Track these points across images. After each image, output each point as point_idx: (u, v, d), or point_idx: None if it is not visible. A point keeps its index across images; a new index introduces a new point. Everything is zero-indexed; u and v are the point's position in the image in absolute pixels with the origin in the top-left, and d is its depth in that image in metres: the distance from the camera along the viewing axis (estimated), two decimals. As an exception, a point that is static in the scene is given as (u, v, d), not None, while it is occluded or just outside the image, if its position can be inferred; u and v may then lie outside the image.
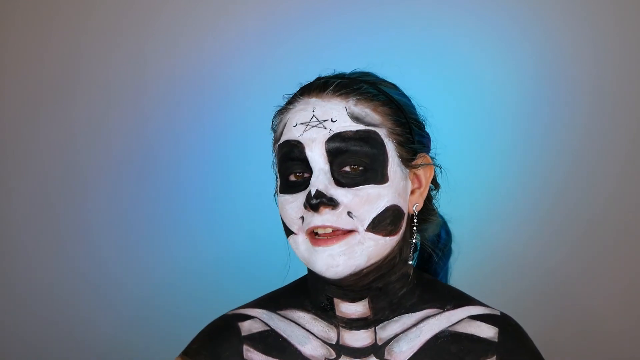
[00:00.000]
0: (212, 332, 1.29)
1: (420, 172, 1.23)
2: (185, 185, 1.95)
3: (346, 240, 1.15)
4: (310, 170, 1.17)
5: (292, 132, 1.18)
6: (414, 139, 1.22)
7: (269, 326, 1.27)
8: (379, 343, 1.22)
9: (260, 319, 1.28)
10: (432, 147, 1.28)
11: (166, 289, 1.93)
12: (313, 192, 1.14)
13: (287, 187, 1.19)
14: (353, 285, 1.20)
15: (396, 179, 1.18)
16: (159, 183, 1.96)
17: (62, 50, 1.98)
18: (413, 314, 1.24)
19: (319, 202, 1.13)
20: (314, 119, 1.18)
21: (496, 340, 1.22)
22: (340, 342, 1.23)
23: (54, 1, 1.99)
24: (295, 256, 1.22)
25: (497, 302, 1.29)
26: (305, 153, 1.16)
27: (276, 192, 1.22)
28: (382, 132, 1.18)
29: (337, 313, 1.23)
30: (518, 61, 1.87)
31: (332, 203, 1.14)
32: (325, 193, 1.14)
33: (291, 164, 1.18)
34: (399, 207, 1.18)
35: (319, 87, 1.21)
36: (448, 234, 1.35)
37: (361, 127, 1.17)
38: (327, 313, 1.24)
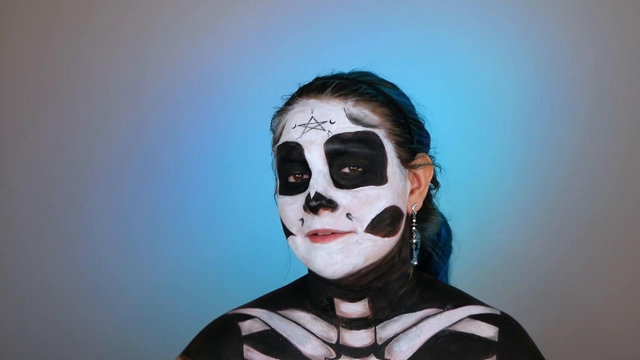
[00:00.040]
0: (212, 332, 1.29)
1: (420, 172, 1.23)
2: (185, 185, 1.95)
3: (343, 239, 1.15)
4: (309, 172, 1.17)
5: (290, 134, 1.18)
6: (413, 139, 1.22)
7: (269, 326, 1.27)
8: (379, 343, 1.22)
9: (260, 319, 1.28)
10: (432, 147, 1.28)
11: (166, 289, 1.93)
12: (312, 195, 1.14)
13: (287, 188, 1.19)
14: (352, 285, 1.20)
15: (395, 180, 1.18)
16: (159, 183, 1.96)
17: (62, 50, 1.98)
18: (413, 313, 1.24)
19: (318, 204, 1.13)
20: (312, 121, 1.17)
21: (496, 340, 1.22)
22: (341, 342, 1.23)
23: (54, 1, 1.99)
24: (295, 256, 1.22)
25: (497, 302, 1.29)
26: (304, 155, 1.16)
27: (276, 192, 1.22)
28: (381, 133, 1.18)
29: (337, 313, 1.23)
30: (518, 61, 1.87)
31: (332, 205, 1.14)
32: (324, 195, 1.14)
33: (290, 165, 1.18)
34: (398, 207, 1.18)
35: (317, 88, 1.20)
36: (448, 232, 1.35)
37: (360, 128, 1.17)
38: (327, 313, 1.24)
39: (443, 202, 1.32)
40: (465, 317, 1.24)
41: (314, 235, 1.16)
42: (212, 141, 1.94)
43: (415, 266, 1.25)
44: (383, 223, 1.16)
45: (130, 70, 1.96)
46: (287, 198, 1.18)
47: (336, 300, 1.22)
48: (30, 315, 1.96)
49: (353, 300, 1.21)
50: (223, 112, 1.94)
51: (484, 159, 1.87)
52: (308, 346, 1.24)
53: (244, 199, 1.91)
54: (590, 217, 1.87)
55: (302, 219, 1.17)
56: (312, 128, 1.17)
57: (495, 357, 1.21)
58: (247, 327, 1.27)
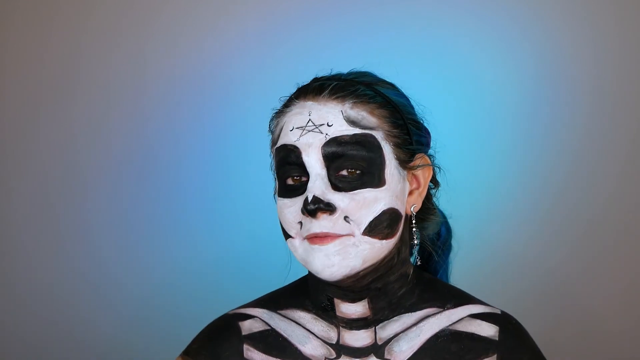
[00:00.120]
0: (212, 331, 1.29)
1: (419, 172, 1.23)
2: (185, 185, 1.95)
3: (341, 240, 1.15)
4: (307, 175, 1.17)
5: (288, 137, 1.18)
6: (411, 139, 1.21)
7: (269, 326, 1.27)
8: (379, 343, 1.22)
9: (260, 319, 1.28)
10: (431, 146, 1.28)
11: (166, 289, 1.93)
12: (310, 198, 1.14)
13: (285, 191, 1.19)
14: (352, 286, 1.20)
15: (393, 182, 1.18)
16: (159, 183, 1.96)
17: (62, 50, 1.98)
18: (413, 313, 1.24)
19: (316, 207, 1.14)
20: (310, 124, 1.17)
21: (497, 339, 1.22)
22: (341, 342, 1.23)
23: (54, 1, 1.99)
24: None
25: (497, 302, 1.29)
26: (301, 158, 1.16)
27: (275, 193, 1.22)
28: (379, 135, 1.18)
29: (337, 313, 1.23)
30: (518, 61, 1.87)
31: (330, 208, 1.14)
32: (322, 199, 1.14)
33: (288, 168, 1.18)
34: (396, 209, 1.18)
35: (315, 90, 1.20)
36: (448, 230, 1.35)
37: (357, 130, 1.17)
38: (327, 313, 1.24)
39: (443, 202, 1.32)
40: (465, 317, 1.24)
41: (312, 237, 1.16)
42: (212, 141, 1.94)
43: (415, 265, 1.25)
44: (381, 226, 1.16)
45: (130, 70, 1.97)
46: (286, 201, 1.18)
47: (336, 300, 1.22)
48: (30, 315, 1.96)
49: (353, 300, 1.21)
50: (223, 112, 1.94)
51: (484, 159, 1.87)
52: (308, 346, 1.24)
53: (244, 199, 1.91)
54: (590, 217, 1.87)
55: (300, 222, 1.17)
56: (309, 131, 1.17)
57: (495, 356, 1.21)
58: (248, 326, 1.27)
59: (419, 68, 1.83)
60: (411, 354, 1.21)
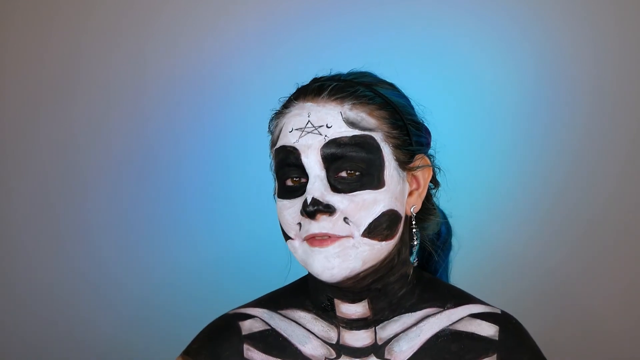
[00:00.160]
0: (212, 331, 1.29)
1: (419, 173, 1.23)
2: (185, 185, 1.95)
3: (340, 242, 1.15)
4: (306, 176, 1.16)
5: (287, 138, 1.18)
6: (411, 140, 1.21)
7: (269, 325, 1.27)
8: (379, 343, 1.22)
9: (261, 319, 1.28)
10: (431, 146, 1.28)
11: (166, 289, 1.93)
12: (309, 200, 1.14)
13: (285, 192, 1.19)
14: (352, 287, 1.20)
15: (393, 183, 1.18)
16: (159, 183, 1.96)
17: (62, 50, 1.98)
18: (413, 313, 1.24)
19: (315, 209, 1.13)
20: (309, 125, 1.17)
21: (497, 339, 1.22)
22: (341, 342, 1.23)
23: (54, 1, 1.99)
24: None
25: (497, 302, 1.29)
26: (301, 159, 1.16)
27: (275, 194, 1.22)
28: (378, 137, 1.18)
29: (338, 313, 1.23)
30: (518, 61, 1.87)
31: (329, 210, 1.14)
32: (321, 200, 1.14)
33: (288, 169, 1.18)
34: (395, 211, 1.18)
35: (314, 91, 1.20)
36: (448, 229, 1.35)
37: (357, 132, 1.17)
38: (327, 313, 1.24)
39: (443, 202, 1.32)
40: (465, 316, 1.24)
41: (312, 239, 1.16)
42: (212, 141, 1.94)
43: (415, 265, 1.25)
44: (380, 227, 1.16)
45: (130, 70, 1.96)
46: (285, 202, 1.18)
47: (336, 301, 1.22)
48: (30, 315, 1.96)
49: (353, 301, 1.21)
50: (223, 112, 1.94)
51: (484, 159, 1.87)
52: (308, 346, 1.24)
53: (244, 199, 1.91)
54: (590, 217, 1.87)
55: (299, 223, 1.17)
56: (308, 132, 1.17)
57: (495, 356, 1.21)
58: (248, 326, 1.27)
59: (419, 68, 1.83)
60: (411, 354, 1.21)
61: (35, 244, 1.97)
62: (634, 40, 1.85)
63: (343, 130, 1.16)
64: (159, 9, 1.97)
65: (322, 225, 1.14)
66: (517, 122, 1.87)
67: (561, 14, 1.87)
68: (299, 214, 1.16)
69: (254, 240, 1.89)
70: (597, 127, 1.87)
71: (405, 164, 1.20)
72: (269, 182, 1.26)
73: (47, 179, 1.97)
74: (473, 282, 1.35)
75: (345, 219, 1.15)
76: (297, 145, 1.17)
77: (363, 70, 1.26)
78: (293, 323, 1.26)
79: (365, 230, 1.15)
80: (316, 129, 1.17)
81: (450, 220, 1.36)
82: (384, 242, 1.17)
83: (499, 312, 1.25)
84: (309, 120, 1.17)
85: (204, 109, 1.95)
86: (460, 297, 1.26)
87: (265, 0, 1.94)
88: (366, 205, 1.15)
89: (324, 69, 1.26)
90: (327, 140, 1.16)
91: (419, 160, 1.22)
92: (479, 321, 1.23)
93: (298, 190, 1.17)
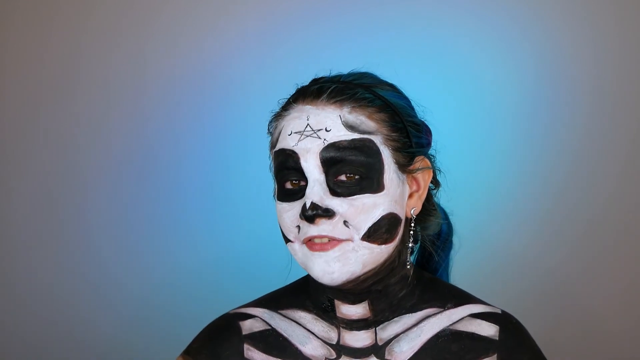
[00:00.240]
0: (213, 331, 1.29)
1: (419, 175, 1.22)
2: (185, 185, 1.95)
3: (340, 246, 1.15)
4: (306, 179, 1.16)
5: (287, 141, 1.18)
6: (411, 142, 1.21)
7: (270, 325, 1.27)
8: (380, 343, 1.22)
9: (261, 318, 1.28)
10: (432, 146, 1.28)
11: (166, 289, 1.93)
12: (308, 204, 1.13)
13: (284, 194, 1.19)
14: (352, 289, 1.20)
15: (392, 187, 1.18)
16: (159, 183, 1.96)
17: (62, 50, 1.98)
18: (414, 314, 1.24)
19: (314, 214, 1.13)
20: (308, 128, 1.17)
21: (497, 339, 1.22)
22: (341, 342, 1.23)
23: (54, 1, 1.99)
24: (295, 258, 1.22)
25: (497, 302, 1.29)
26: (300, 163, 1.16)
27: (274, 195, 1.22)
28: (378, 140, 1.17)
29: (338, 314, 1.23)
30: (518, 61, 1.87)
31: (328, 214, 1.14)
32: (320, 205, 1.14)
33: (287, 172, 1.18)
34: (395, 214, 1.18)
35: (313, 93, 1.19)
36: (449, 227, 1.34)
37: (356, 135, 1.16)
38: (327, 314, 1.24)
39: (443, 202, 1.33)
40: (465, 316, 1.24)
41: (312, 243, 1.16)
42: (212, 141, 1.94)
43: (416, 264, 1.25)
44: (380, 231, 1.16)
45: (130, 70, 1.96)
46: (285, 205, 1.18)
47: (336, 301, 1.22)
48: (30, 315, 1.96)
49: (353, 302, 1.22)
50: (223, 112, 1.94)
51: (484, 159, 1.87)
52: (308, 346, 1.24)
53: (244, 199, 1.91)
54: (590, 217, 1.87)
55: (298, 226, 1.17)
56: (307, 136, 1.17)
57: (495, 356, 1.21)
58: (248, 326, 1.28)
59: (419, 68, 1.83)
60: (412, 354, 1.21)
61: (35, 244, 1.97)
62: (634, 40, 1.85)
63: (342, 134, 1.16)
64: (159, 9, 1.96)
65: (321, 228, 1.14)
66: (517, 122, 1.87)
67: (561, 14, 1.87)
68: (298, 217, 1.16)
69: (254, 240, 1.89)
70: (597, 127, 1.86)
71: (405, 166, 1.20)
72: (269, 182, 1.26)
73: (47, 179, 1.97)
74: (473, 282, 1.35)
75: (345, 222, 1.15)
76: (296, 149, 1.16)
77: (363, 70, 1.26)
78: (293, 323, 1.26)
79: (365, 233, 1.15)
80: (315, 133, 1.16)
81: (452, 214, 1.35)
82: (383, 246, 1.17)
83: (499, 312, 1.25)
84: (308, 124, 1.17)
85: (204, 109, 1.95)
86: (461, 297, 1.26)
87: (265, 0, 1.94)
88: (366, 209, 1.15)
89: (324, 69, 1.26)
90: (326, 144, 1.15)
91: (419, 162, 1.22)
92: (479, 321, 1.23)
93: (297, 193, 1.17)
